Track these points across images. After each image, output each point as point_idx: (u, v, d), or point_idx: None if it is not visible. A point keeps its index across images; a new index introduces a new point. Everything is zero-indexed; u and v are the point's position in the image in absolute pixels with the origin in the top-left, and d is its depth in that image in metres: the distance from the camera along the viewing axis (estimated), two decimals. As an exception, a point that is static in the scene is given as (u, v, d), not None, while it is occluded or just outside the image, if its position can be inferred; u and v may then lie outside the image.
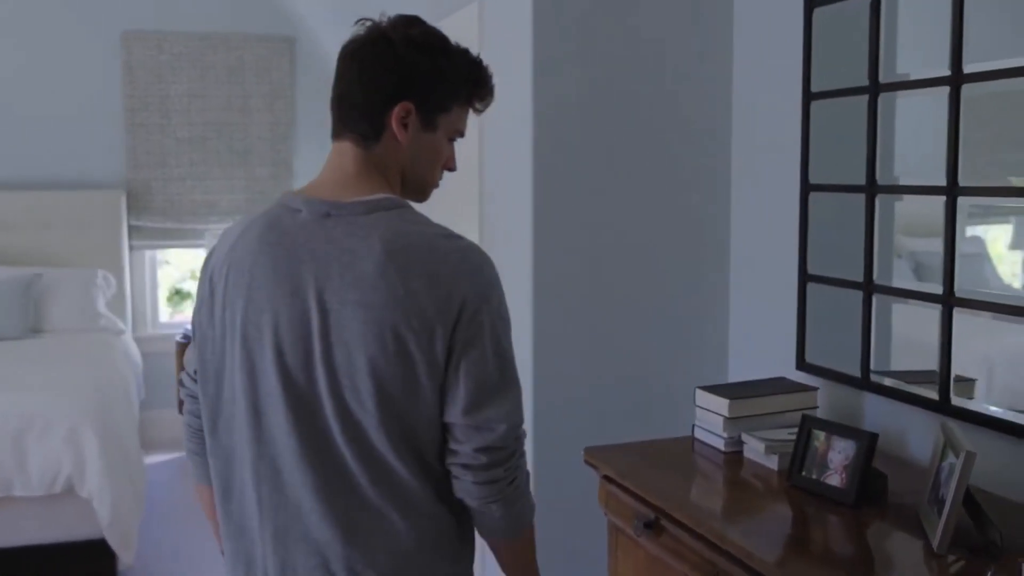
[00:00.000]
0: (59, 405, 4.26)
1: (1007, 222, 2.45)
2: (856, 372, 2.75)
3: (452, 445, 1.65)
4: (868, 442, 2.24)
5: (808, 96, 2.91)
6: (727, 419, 2.63)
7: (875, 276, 2.68)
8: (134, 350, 6.08)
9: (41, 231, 6.20)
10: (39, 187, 6.32)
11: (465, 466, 1.64)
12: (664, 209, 3.29)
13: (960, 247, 2.43)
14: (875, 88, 2.65)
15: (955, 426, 2.12)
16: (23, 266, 6.02)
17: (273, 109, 6.75)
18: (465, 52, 1.74)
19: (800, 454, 2.38)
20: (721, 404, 2.65)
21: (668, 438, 2.83)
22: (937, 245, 2.47)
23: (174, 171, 6.62)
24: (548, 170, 3.16)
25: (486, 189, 3.61)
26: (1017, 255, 2.39)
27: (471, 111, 1.78)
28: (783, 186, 3.07)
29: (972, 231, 2.46)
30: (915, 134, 2.66)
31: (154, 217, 6.61)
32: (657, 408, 3.28)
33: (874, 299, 2.68)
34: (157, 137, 6.57)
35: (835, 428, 2.34)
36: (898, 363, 2.69)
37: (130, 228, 6.55)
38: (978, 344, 2.56)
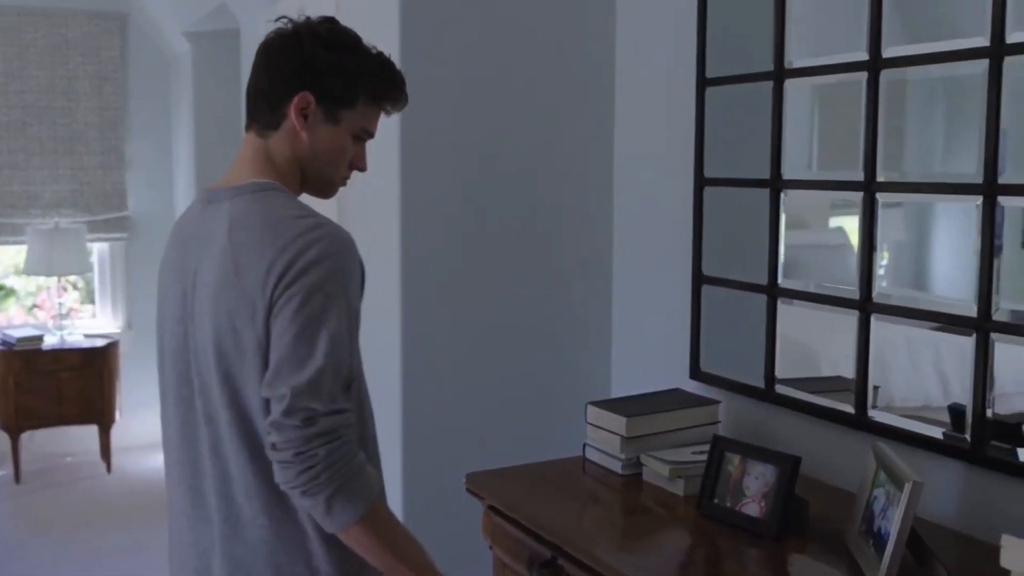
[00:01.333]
0: None
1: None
2: (757, 382, 2.53)
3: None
4: (790, 467, 2.01)
5: (703, 82, 2.67)
6: (625, 439, 2.37)
7: (778, 277, 2.46)
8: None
9: None
10: None
11: (271, 445, 1.59)
12: (539, 207, 3.02)
13: (825, 239, 2.40)
14: (780, 74, 2.43)
15: (889, 450, 1.90)
16: None
17: (102, 93, 6.18)
18: (376, 54, 1.78)
19: (712, 479, 2.13)
20: (617, 422, 2.39)
21: (556, 460, 2.55)
22: (803, 239, 2.44)
23: (-11, 159, 5.99)
24: (416, 169, 2.85)
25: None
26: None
27: (383, 113, 1.80)
28: (672, 180, 2.83)
29: (835, 222, 2.49)
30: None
31: (-34, 210, 5.98)
32: (539, 425, 3.00)
33: (779, 304, 2.47)
34: (-31, 121, 5.93)
35: (751, 451, 2.10)
36: (785, 368, 2.49)
37: (-62, 222, 5.91)
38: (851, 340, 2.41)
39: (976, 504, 2.02)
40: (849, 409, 2.27)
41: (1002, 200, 1.94)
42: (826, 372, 2.48)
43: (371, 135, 1.81)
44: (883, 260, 2.43)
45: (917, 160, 2.24)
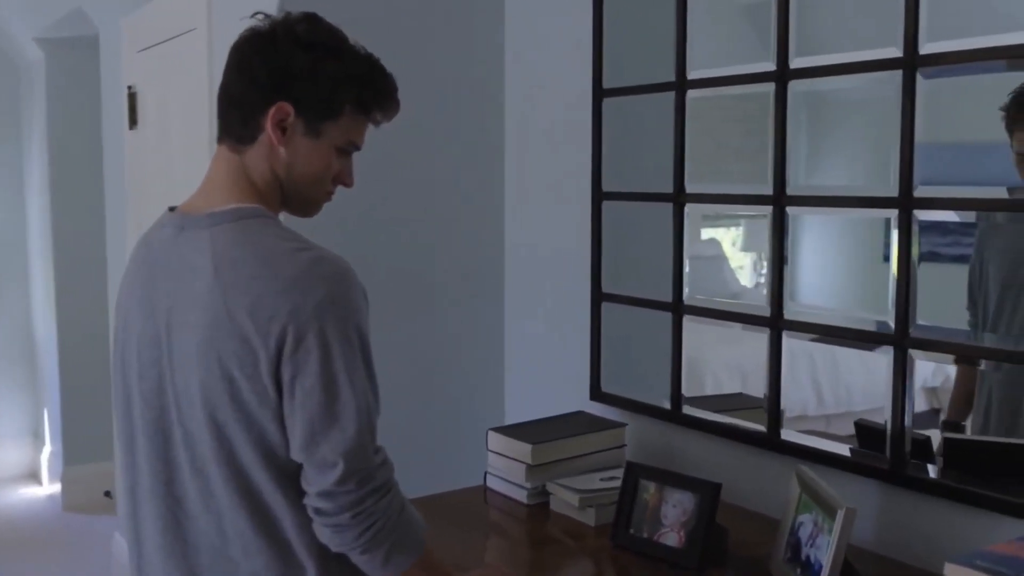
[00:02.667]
0: None
1: (737, 225, 2.43)
2: (662, 402, 2.45)
3: (303, 485, 1.47)
4: (711, 494, 1.92)
5: (599, 93, 2.59)
6: (531, 467, 2.25)
7: (684, 294, 2.39)
8: None
9: None
10: None
11: (316, 510, 1.47)
12: (425, 221, 2.88)
13: (700, 250, 2.37)
14: (682, 84, 2.35)
15: (813, 473, 1.83)
16: None
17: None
18: (365, 57, 1.59)
19: (626, 509, 2.03)
20: (522, 450, 2.27)
21: (455, 490, 2.41)
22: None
23: None
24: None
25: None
26: (747, 257, 2.43)
27: (371, 123, 1.62)
28: (567, 194, 2.73)
29: (708, 234, 2.46)
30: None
31: None
32: (431, 453, 2.85)
33: (684, 321, 2.39)
34: None
35: (668, 477, 2.01)
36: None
37: None
38: (730, 352, 2.41)
39: (895, 525, 1.97)
40: (761, 429, 2.20)
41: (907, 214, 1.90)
42: (710, 387, 2.41)
43: (358, 148, 1.64)
44: (763, 269, 2.44)
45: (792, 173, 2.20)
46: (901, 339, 1.92)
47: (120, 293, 1.64)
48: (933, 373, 1.96)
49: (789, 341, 2.16)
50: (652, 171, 2.50)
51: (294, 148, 1.55)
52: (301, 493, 1.48)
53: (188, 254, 1.50)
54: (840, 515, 1.63)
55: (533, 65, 2.86)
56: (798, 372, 2.22)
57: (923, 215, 1.88)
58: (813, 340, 2.13)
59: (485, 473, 2.40)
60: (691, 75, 2.33)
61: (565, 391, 2.75)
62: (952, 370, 1.92)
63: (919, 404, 1.95)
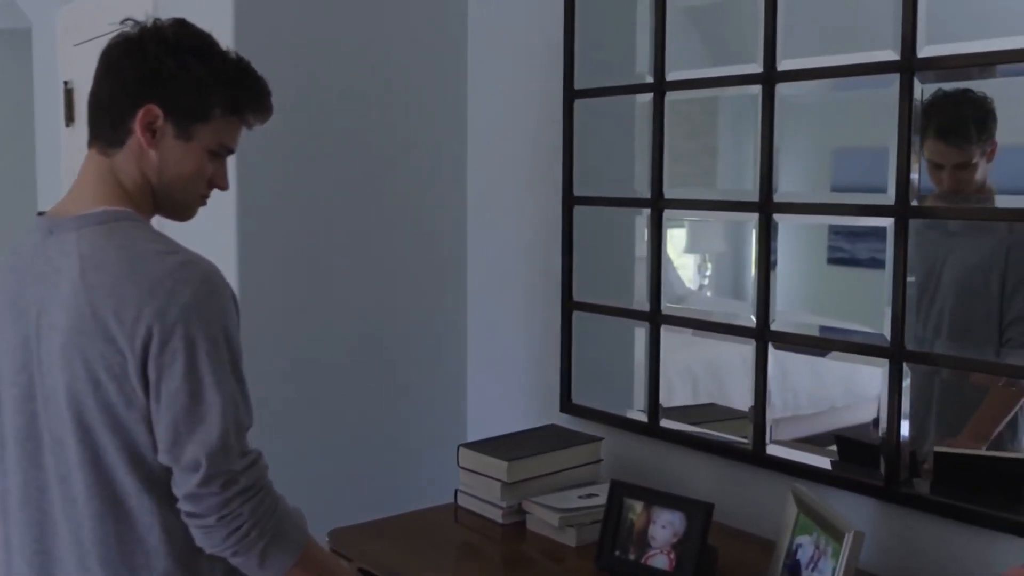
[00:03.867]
0: None
1: (681, 227, 2.39)
2: (635, 414, 2.37)
3: (172, 489, 1.46)
4: (703, 515, 1.84)
5: (571, 94, 2.50)
6: (505, 485, 2.15)
7: (662, 303, 2.31)
8: None
9: None
10: None
11: (186, 513, 1.46)
12: (384, 227, 2.75)
13: (642, 252, 2.36)
14: (661, 86, 2.27)
15: (810, 493, 1.76)
16: None
17: None
18: (234, 60, 1.58)
19: (611, 529, 1.94)
20: (497, 467, 2.17)
21: (425, 509, 2.31)
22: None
23: None
24: (253, 185, 2.54)
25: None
26: (690, 258, 2.44)
27: (244, 126, 1.60)
28: (534, 199, 2.64)
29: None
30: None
31: None
32: (391, 469, 2.75)
33: (662, 331, 2.31)
34: None
35: (656, 497, 1.92)
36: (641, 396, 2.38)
37: None
38: (682, 356, 2.37)
39: (890, 543, 1.91)
40: (746, 443, 2.13)
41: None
42: (663, 393, 2.34)
43: (231, 151, 1.61)
44: (707, 271, 2.49)
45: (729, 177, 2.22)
46: (898, 350, 1.85)
47: None
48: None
49: (741, 347, 2.12)
50: (608, 175, 2.46)
51: (164, 151, 1.53)
52: (173, 498, 1.46)
53: (55, 257, 1.49)
54: (848, 539, 1.56)
55: (497, 66, 2.76)
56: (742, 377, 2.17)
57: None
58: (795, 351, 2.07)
59: (456, 491, 2.29)
60: (658, 78, 2.26)
61: (532, 403, 2.66)
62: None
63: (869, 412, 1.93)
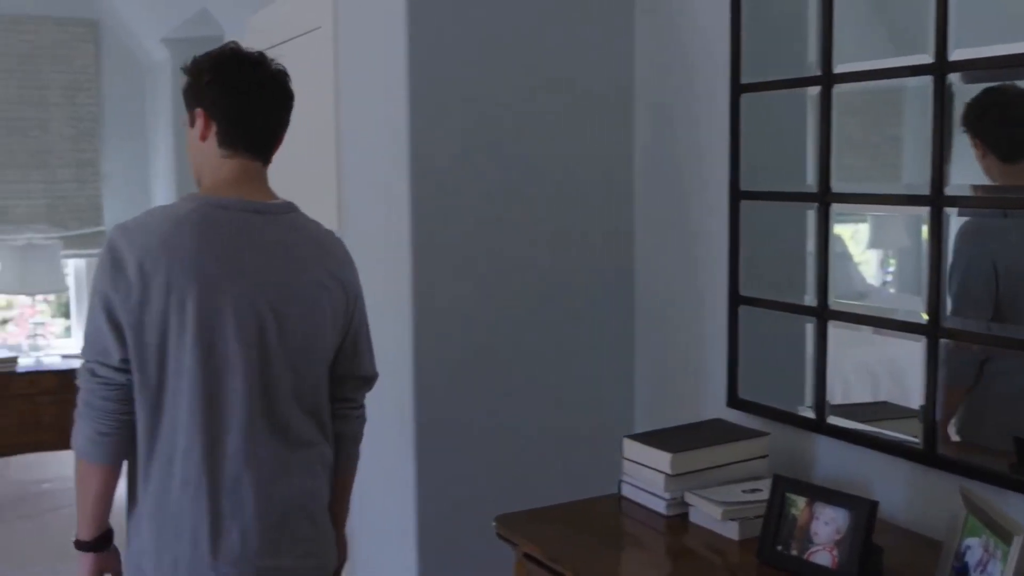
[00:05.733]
0: None
1: (863, 221, 2.40)
2: (803, 410, 2.35)
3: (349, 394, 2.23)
4: (866, 512, 1.82)
5: (737, 88, 2.49)
6: (669, 477, 2.18)
7: (829, 299, 2.28)
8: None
9: None
10: None
11: (361, 407, 2.28)
12: (554, 226, 2.80)
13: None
14: (828, 78, 2.24)
15: (980, 494, 1.72)
16: None
17: (75, 102, 5.94)
18: None
19: (774, 523, 1.94)
20: (660, 458, 2.20)
21: (590, 498, 2.36)
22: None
23: (-47, 171, 5.73)
24: (428, 189, 2.65)
25: (346, 214, 3.06)
26: (873, 254, 2.42)
27: None
28: (701, 194, 2.65)
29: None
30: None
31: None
32: (557, 459, 2.80)
33: (829, 327, 2.29)
34: (-66, 134, 5.67)
35: (819, 493, 1.91)
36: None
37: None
38: (859, 353, 2.33)
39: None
40: (916, 442, 2.09)
41: None
42: (839, 392, 2.30)
43: None
44: (890, 267, 2.46)
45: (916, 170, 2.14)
46: (1076, 351, 1.79)
47: (169, 259, 1.91)
48: None
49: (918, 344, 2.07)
50: (780, 169, 2.45)
51: None
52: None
53: (280, 233, 2.03)
54: (1018, 542, 1.52)
55: (663, 61, 2.77)
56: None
57: None
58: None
59: (620, 482, 2.33)
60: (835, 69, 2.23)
61: (698, 397, 2.67)
62: None
63: None
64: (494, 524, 2.21)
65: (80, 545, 2.04)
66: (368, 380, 2.21)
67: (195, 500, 1.93)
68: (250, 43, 3.83)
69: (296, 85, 3.41)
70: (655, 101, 2.81)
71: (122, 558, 2.07)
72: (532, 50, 2.75)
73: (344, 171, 3.06)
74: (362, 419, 2.22)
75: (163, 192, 5.79)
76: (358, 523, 3.05)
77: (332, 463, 2.13)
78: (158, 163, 5.93)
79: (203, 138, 2.05)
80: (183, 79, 2.10)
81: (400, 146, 2.65)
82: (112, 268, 1.91)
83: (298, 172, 3.43)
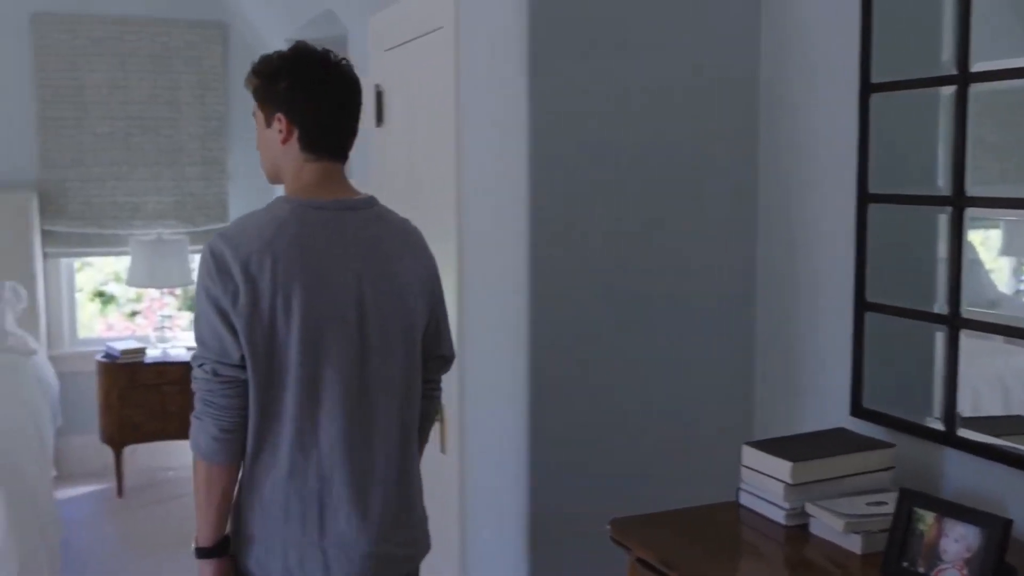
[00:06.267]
0: (-46, 449, 3.62)
1: (995, 227, 2.31)
2: (931, 422, 2.26)
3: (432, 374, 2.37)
4: (1000, 531, 1.75)
5: (867, 88, 2.41)
6: (789, 486, 2.13)
7: (961, 307, 2.19)
8: (48, 372, 5.42)
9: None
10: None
11: (438, 385, 2.44)
12: (674, 228, 2.76)
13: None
14: (964, 77, 2.16)
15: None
16: (-83, 277, 5.31)
17: (204, 102, 6.11)
18: None
19: (899, 539, 1.88)
20: (780, 467, 2.14)
21: (707, 505, 2.31)
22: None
23: (92, 170, 5.95)
24: (546, 192, 2.63)
25: (465, 216, 3.07)
26: (1006, 261, 2.32)
27: None
28: (826, 197, 2.57)
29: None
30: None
31: (70, 221, 5.94)
32: (674, 463, 2.76)
33: (961, 337, 2.20)
34: (72, 132, 5.89)
35: (949, 508, 1.84)
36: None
37: (43, 233, 5.87)
38: (992, 364, 2.24)
39: None
40: (1055, 459, 1.99)
41: None
42: (968, 403, 2.20)
43: None
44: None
45: None
46: None
47: (273, 260, 2.02)
48: None
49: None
50: (909, 171, 2.37)
51: None
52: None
53: (369, 228, 2.16)
54: None
55: (788, 59, 2.70)
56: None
57: None
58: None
59: (738, 489, 2.28)
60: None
61: (821, 405, 2.59)
62: None
63: None
64: (608, 527, 2.19)
65: (201, 553, 2.11)
66: (448, 360, 2.34)
67: (302, 488, 2.05)
68: (372, 43, 3.90)
69: (417, 85, 3.45)
70: (780, 100, 2.74)
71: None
72: (656, 48, 2.71)
73: (463, 170, 3.07)
74: (437, 400, 2.38)
75: (284, 191, 5.91)
76: (470, 522, 3.07)
77: (418, 450, 2.28)
78: (282, 161, 6.06)
79: (284, 142, 2.14)
80: (253, 80, 2.16)
81: (519, 146, 2.64)
82: (219, 273, 2.01)
83: (417, 168, 3.46)
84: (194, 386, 2.08)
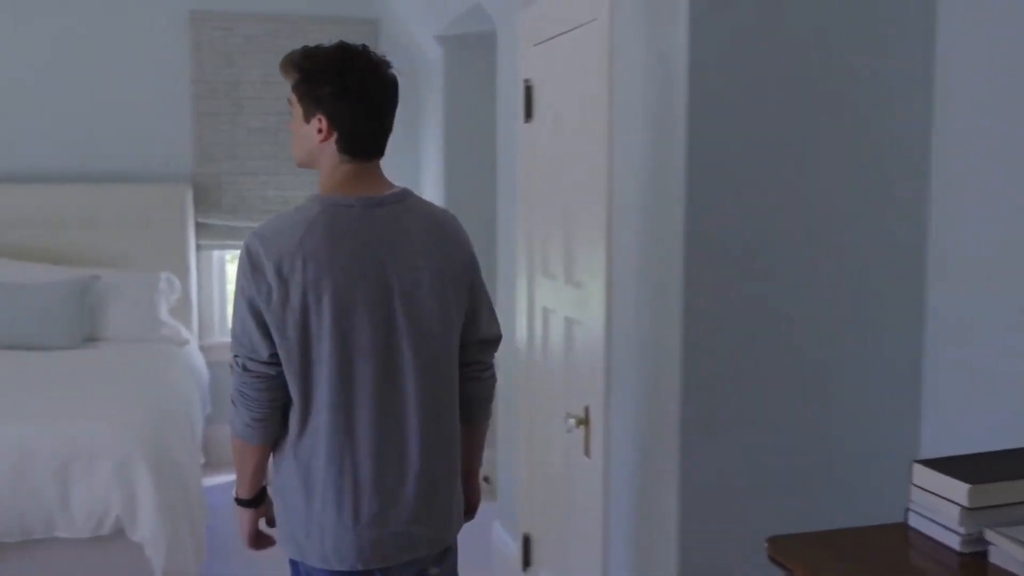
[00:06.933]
0: (108, 434, 3.72)
1: None
2: None
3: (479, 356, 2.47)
4: None
5: (1059, 79, 2.22)
6: (966, 510, 1.96)
7: None
8: (199, 362, 5.55)
9: (99, 229, 5.66)
10: (97, 180, 5.80)
11: (489, 367, 2.50)
12: (836, 225, 2.62)
13: None
14: None
15: None
16: (79, 267, 5.50)
17: (353, 98, 6.16)
18: None
19: (1096, 576, 1.70)
20: (956, 489, 1.98)
21: (870, 526, 2.16)
22: None
23: (245, 165, 6.07)
24: (703, 191, 2.52)
25: (617, 213, 2.97)
26: None
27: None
28: (1014, 193, 2.39)
29: None
30: None
31: (223, 215, 6.08)
32: (833, 480, 2.62)
33: None
34: (226, 127, 6.02)
35: None
36: None
37: (197, 226, 6.02)
38: None
39: None
40: None
41: None
42: None
43: None
44: None
45: None
46: None
47: (304, 259, 2.13)
48: None
49: None
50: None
51: None
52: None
53: (398, 222, 2.25)
54: None
55: (967, 55, 2.52)
56: None
57: None
58: None
59: (907, 510, 2.13)
60: None
61: (1001, 422, 2.41)
62: None
63: None
64: (765, 545, 2.07)
65: (240, 502, 2.38)
66: (490, 342, 2.43)
67: (339, 474, 2.20)
68: (522, 38, 3.84)
69: (568, 80, 3.37)
70: (955, 97, 2.56)
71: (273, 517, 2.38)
72: (824, 44, 2.57)
73: (615, 169, 2.97)
74: (492, 379, 2.46)
75: (432, 187, 5.92)
76: (614, 532, 2.97)
77: (457, 434, 2.36)
78: (428, 159, 6.08)
79: (323, 141, 2.24)
80: (295, 74, 2.24)
81: (676, 143, 2.54)
82: (253, 272, 2.15)
83: (566, 165, 3.38)
84: (231, 375, 2.25)
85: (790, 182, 2.57)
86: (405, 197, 2.30)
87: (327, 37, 6.23)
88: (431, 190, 5.98)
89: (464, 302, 2.33)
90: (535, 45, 3.71)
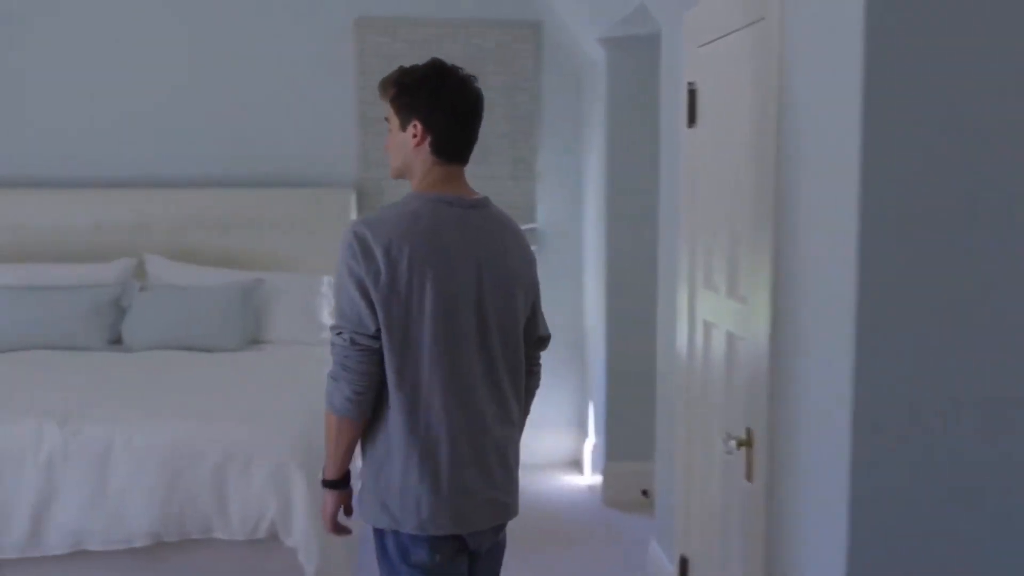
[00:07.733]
0: (265, 437, 3.75)
1: None
2: None
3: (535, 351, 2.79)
4: None
5: None
6: None
7: None
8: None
9: (264, 232, 5.77)
10: (262, 185, 5.91)
11: (536, 360, 2.82)
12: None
13: None
14: None
15: None
16: (244, 269, 5.62)
17: (514, 102, 6.11)
18: None
19: None
20: None
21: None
22: None
23: (407, 170, 6.09)
24: (878, 211, 2.32)
25: (784, 228, 2.79)
26: None
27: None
28: None
29: None
30: None
31: (385, 219, 6.11)
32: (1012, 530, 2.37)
33: None
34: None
35: None
36: None
37: (360, 231, 6.07)
38: None
39: None
40: None
41: None
42: None
43: None
44: None
45: None
46: None
47: (410, 247, 2.38)
48: None
49: None
50: None
51: None
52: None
53: (485, 223, 2.53)
54: None
55: None
56: None
57: None
58: None
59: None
60: None
61: None
62: None
63: None
64: None
65: (328, 484, 2.55)
66: (544, 340, 2.73)
67: (435, 445, 2.42)
68: (686, 40, 3.68)
69: (734, 83, 3.20)
70: None
71: (361, 496, 2.54)
72: (1008, 43, 2.33)
73: (783, 178, 2.79)
74: (538, 375, 2.76)
75: (594, 191, 5.81)
76: (778, 564, 2.79)
77: (519, 418, 2.64)
78: (590, 163, 5.97)
79: (417, 145, 2.50)
80: (391, 89, 2.53)
81: (850, 150, 2.35)
82: (363, 255, 2.36)
83: (727, 171, 3.21)
84: (332, 352, 2.42)
85: (974, 209, 2.34)
86: (488, 203, 2.59)
87: (488, 40, 6.21)
88: (593, 196, 5.86)
89: (529, 303, 2.63)
90: (699, 47, 3.56)
